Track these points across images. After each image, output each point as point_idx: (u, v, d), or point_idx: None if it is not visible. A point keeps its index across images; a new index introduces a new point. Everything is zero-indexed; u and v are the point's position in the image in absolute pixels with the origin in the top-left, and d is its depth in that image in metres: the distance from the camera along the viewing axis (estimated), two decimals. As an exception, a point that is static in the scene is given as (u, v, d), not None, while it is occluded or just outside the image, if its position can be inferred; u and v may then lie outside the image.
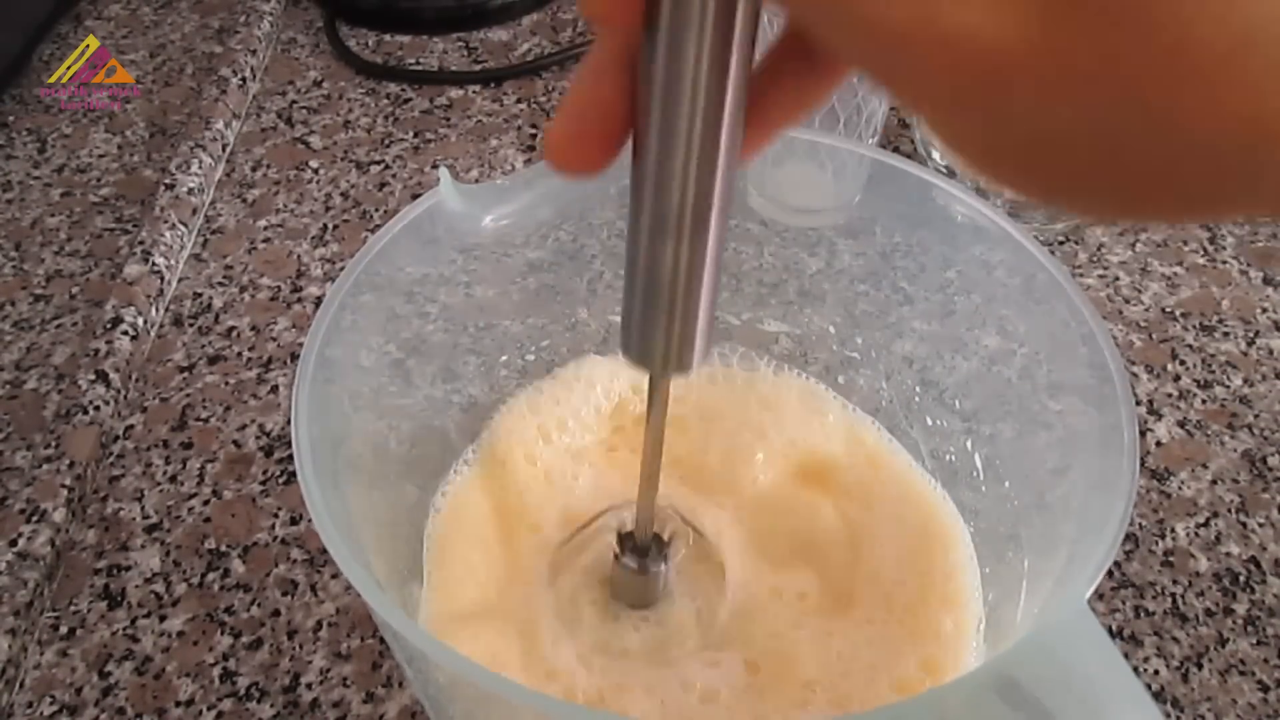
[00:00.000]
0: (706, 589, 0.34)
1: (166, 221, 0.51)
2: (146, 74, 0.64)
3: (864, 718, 0.19)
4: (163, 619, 0.38)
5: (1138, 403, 0.46)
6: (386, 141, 0.59)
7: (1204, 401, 0.46)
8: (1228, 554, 0.41)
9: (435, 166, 0.57)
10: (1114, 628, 0.39)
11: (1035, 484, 0.34)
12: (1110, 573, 0.40)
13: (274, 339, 0.48)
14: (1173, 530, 0.42)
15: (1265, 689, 0.37)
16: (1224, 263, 0.53)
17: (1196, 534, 0.41)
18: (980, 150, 0.15)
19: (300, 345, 0.47)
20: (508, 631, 0.32)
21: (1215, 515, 0.42)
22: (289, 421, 0.44)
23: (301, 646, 0.37)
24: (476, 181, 0.35)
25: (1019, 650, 0.20)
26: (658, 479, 0.28)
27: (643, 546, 0.31)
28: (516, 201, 0.33)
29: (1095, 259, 0.53)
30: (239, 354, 0.48)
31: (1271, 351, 0.49)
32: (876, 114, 0.50)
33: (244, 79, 0.61)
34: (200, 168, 0.55)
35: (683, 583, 0.33)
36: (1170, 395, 0.47)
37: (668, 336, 0.22)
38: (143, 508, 0.41)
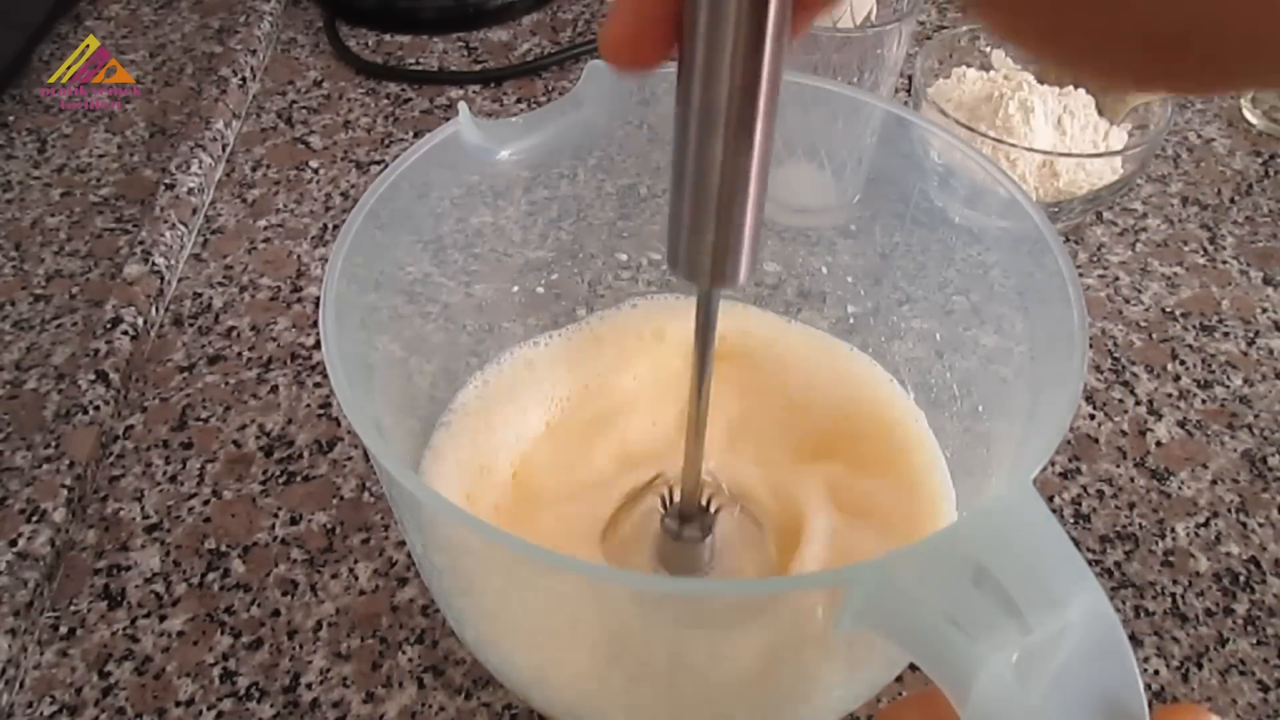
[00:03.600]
0: (750, 561, 0.34)
1: (166, 221, 0.51)
2: (146, 74, 0.64)
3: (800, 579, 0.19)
4: (163, 619, 0.38)
5: (1137, 403, 0.46)
6: (386, 141, 0.59)
7: (1204, 401, 0.46)
8: (1228, 554, 0.41)
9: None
10: (1114, 627, 0.39)
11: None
12: (1110, 572, 0.40)
13: (274, 339, 0.48)
14: (1173, 530, 0.42)
15: (1265, 689, 0.37)
16: (1224, 263, 0.53)
17: (1196, 534, 0.41)
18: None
19: (300, 345, 0.48)
20: None
21: (1215, 515, 0.42)
22: (289, 421, 0.45)
23: (301, 646, 0.37)
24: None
25: (967, 523, 0.21)
26: (705, 421, 0.28)
27: (687, 513, 0.31)
28: (530, 139, 0.34)
29: (1095, 259, 0.53)
30: (239, 354, 0.48)
31: (1271, 351, 0.49)
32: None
33: (244, 79, 0.61)
34: (200, 168, 0.55)
35: (728, 555, 0.33)
36: (1170, 395, 0.47)
37: (716, 245, 0.22)
38: (143, 508, 0.41)
